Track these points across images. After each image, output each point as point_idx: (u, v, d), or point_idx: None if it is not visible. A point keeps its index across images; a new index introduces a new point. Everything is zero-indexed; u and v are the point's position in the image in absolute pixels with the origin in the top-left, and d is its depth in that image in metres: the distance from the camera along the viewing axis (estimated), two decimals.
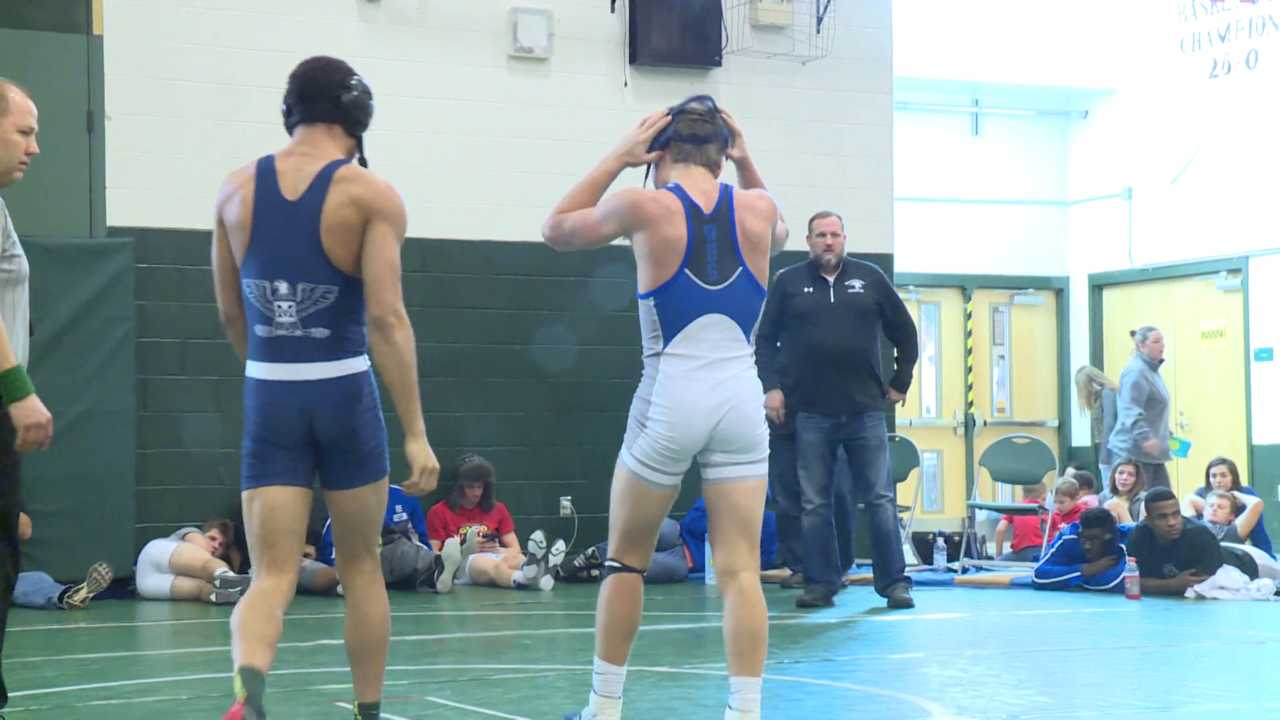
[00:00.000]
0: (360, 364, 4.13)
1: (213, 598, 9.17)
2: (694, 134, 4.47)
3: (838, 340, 8.80)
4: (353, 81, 4.22)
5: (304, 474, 4.13)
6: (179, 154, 10.33)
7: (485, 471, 10.53)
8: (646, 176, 4.60)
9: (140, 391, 10.10)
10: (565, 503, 11.10)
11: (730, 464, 4.35)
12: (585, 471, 11.00)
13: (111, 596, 9.39)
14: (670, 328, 4.32)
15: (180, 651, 7.69)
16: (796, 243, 9.36)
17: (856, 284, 8.91)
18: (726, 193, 4.44)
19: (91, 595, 9.08)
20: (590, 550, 10.54)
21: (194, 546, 9.57)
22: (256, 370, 4.12)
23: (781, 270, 9.13)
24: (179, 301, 10.33)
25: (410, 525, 10.29)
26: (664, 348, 4.33)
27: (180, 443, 10.26)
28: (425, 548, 10.04)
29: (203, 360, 10.34)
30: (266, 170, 4.14)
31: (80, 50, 10.03)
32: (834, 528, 9.04)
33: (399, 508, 10.28)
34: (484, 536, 10.45)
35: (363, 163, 4.28)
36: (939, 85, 14.25)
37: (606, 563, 4.48)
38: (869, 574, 10.16)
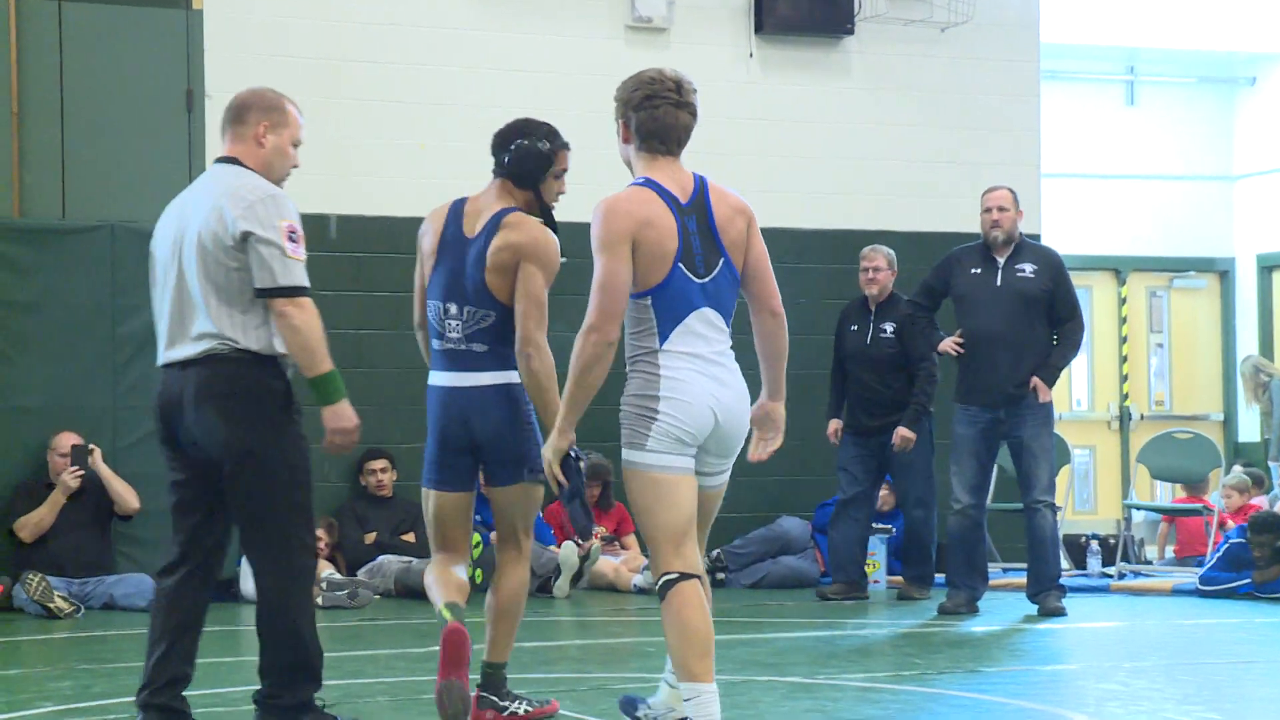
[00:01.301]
0: (513, 376, 5.11)
1: (319, 601, 9.26)
2: (656, 121, 4.55)
3: (998, 327, 8.64)
4: (515, 144, 5.20)
5: (467, 479, 5.23)
6: None
7: (603, 470, 10.52)
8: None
9: None
10: None
11: (716, 472, 4.59)
12: None
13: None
14: (667, 324, 4.47)
15: None
16: (974, 223, 9.22)
17: (1027, 268, 8.73)
18: (702, 182, 4.58)
19: None
20: (715, 553, 10.50)
21: None
22: (432, 378, 5.24)
23: (957, 246, 9.10)
24: None
25: None
26: (661, 345, 4.48)
27: None
28: (547, 550, 10.07)
29: None
30: (457, 209, 5.25)
31: (179, 26, 10.17)
32: (984, 530, 8.93)
33: None
34: (602, 539, 10.46)
35: (544, 211, 5.20)
36: (1090, 51, 14.01)
37: (662, 579, 4.47)
38: (1012, 579, 10.05)
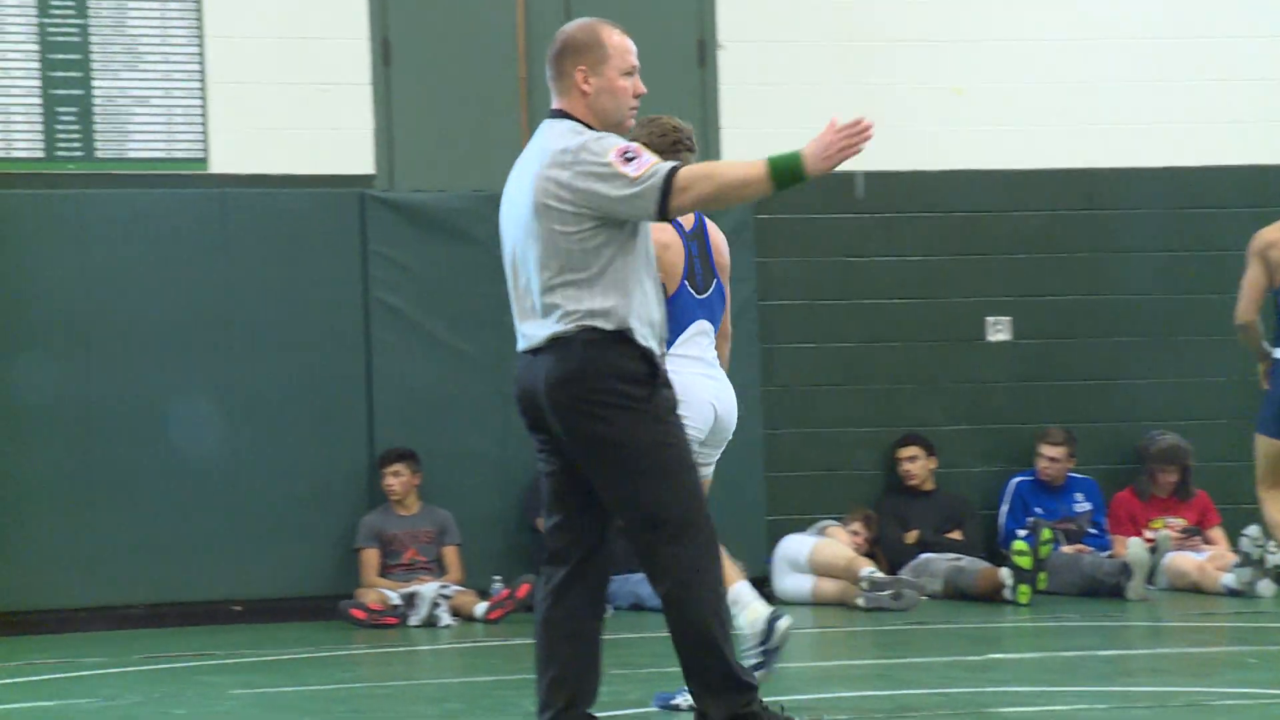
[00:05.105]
0: None
1: (860, 602, 9.34)
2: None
3: None
4: None
5: None
6: (800, 84, 10.55)
7: (1182, 453, 10.21)
8: None
9: (765, 362, 10.42)
10: None
11: (706, 462, 5.79)
12: None
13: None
14: (674, 331, 5.65)
15: (826, 664, 7.90)
16: None
17: None
18: (700, 215, 5.83)
19: None
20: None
21: (835, 543, 9.78)
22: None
23: None
24: (804, 257, 10.59)
25: (1090, 515, 10.14)
26: (669, 349, 5.46)
27: (812, 421, 10.52)
28: (1101, 552, 9.85)
29: (833, 325, 10.56)
30: None
31: None
32: None
33: (1080, 495, 10.21)
34: (1182, 532, 10.14)
35: None
36: None
37: None
38: None
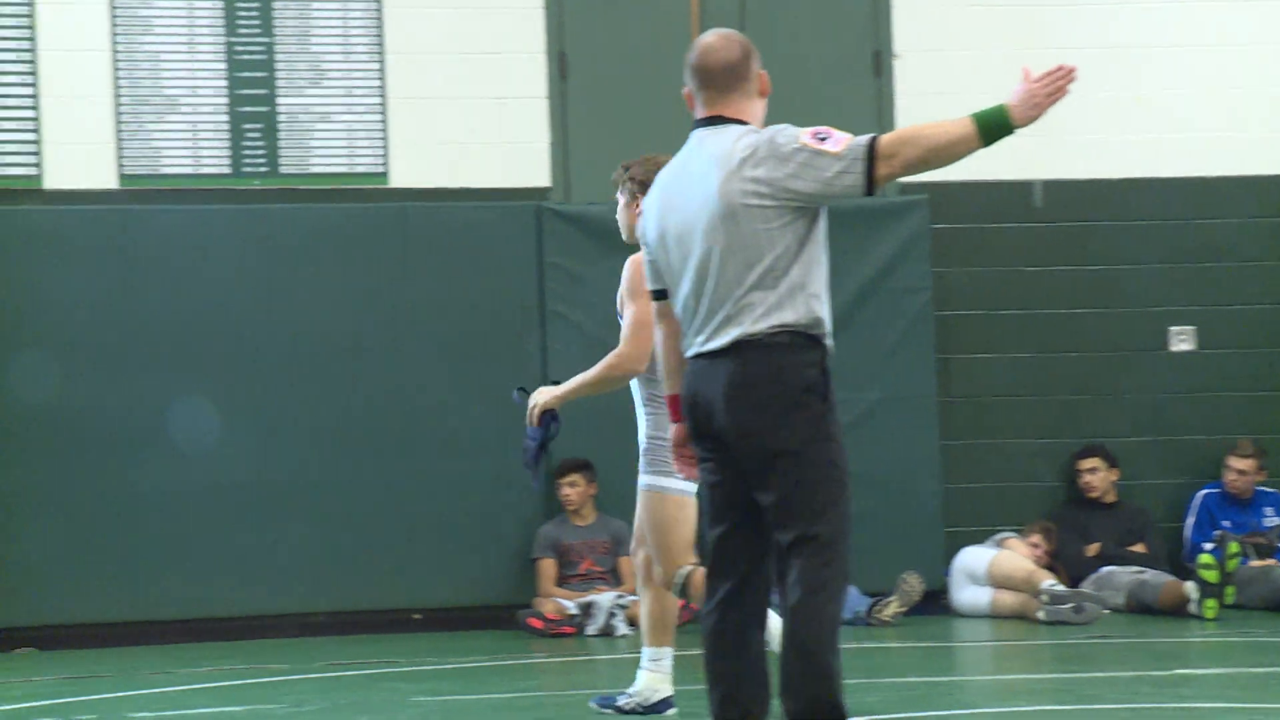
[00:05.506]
0: None
1: (1040, 615, 9.27)
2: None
3: None
4: None
5: None
6: (975, 93, 10.25)
7: None
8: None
9: (942, 373, 10.38)
10: None
11: None
12: None
13: (923, 611, 9.71)
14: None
15: (1006, 678, 7.84)
16: None
17: None
18: None
19: (903, 610, 9.44)
20: None
21: (1014, 555, 9.71)
22: None
23: None
24: (981, 267, 10.53)
25: None
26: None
27: (989, 432, 10.45)
28: None
29: (1011, 335, 10.49)
30: None
31: None
32: None
33: (1269, 510, 10.10)
34: None
35: None
36: None
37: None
38: None
